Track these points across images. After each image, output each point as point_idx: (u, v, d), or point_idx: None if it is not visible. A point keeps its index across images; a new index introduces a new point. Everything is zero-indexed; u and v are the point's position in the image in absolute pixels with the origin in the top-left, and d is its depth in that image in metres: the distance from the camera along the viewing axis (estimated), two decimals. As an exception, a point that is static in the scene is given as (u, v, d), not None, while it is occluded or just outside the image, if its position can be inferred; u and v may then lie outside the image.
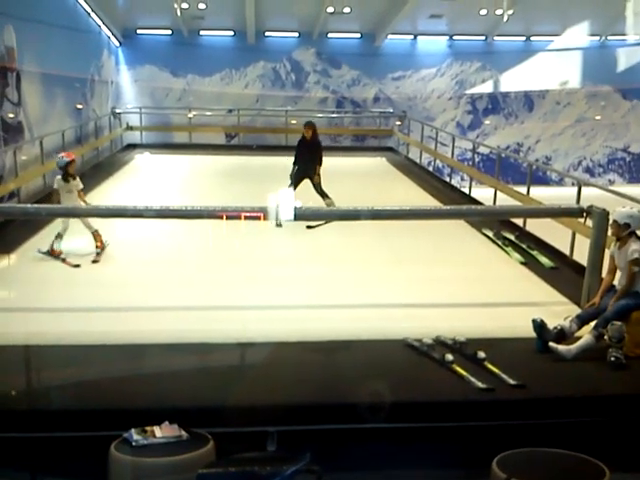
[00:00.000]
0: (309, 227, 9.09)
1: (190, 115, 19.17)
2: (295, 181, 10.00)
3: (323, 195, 10.08)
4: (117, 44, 19.58)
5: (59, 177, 8.02)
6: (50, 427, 4.08)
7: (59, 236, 7.92)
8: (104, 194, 11.80)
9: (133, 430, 3.75)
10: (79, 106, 15.71)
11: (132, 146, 17.99)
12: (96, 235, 7.97)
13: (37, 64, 12.48)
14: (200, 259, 8.01)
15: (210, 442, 3.73)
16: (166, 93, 20.19)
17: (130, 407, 4.27)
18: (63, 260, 7.80)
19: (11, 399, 4.39)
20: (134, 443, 3.68)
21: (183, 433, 3.79)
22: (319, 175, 10.11)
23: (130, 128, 18.53)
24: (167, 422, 3.85)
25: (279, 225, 8.55)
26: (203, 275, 7.42)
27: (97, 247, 7.96)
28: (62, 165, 8.02)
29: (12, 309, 6.30)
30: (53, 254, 7.86)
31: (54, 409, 4.28)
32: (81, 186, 8.06)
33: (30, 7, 12.07)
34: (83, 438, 4.05)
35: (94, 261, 7.82)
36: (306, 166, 10.06)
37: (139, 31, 19.68)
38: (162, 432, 3.78)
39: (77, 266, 7.66)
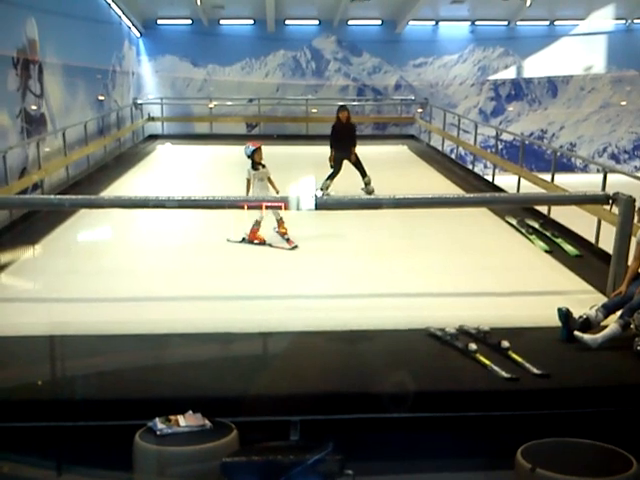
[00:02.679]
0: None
1: (211, 105, 19.21)
2: (338, 165, 10.58)
3: (364, 173, 10.79)
4: (138, 35, 19.64)
5: (249, 167, 8.21)
6: (76, 416, 4.12)
7: (257, 223, 8.08)
8: (127, 185, 11.90)
9: (157, 419, 3.78)
10: (101, 97, 15.80)
11: (154, 137, 18.09)
12: (281, 222, 8.15)
13: (59, 56, 12.55)
14: (222, 249, 8.04)
15: (233, 431, 3.75)
16: (187, 83, 20.24)
17: (154, 396, 4.30)
18: (270, 245, 8.02)
19: (38, 389, 4.45)
20: (158, 432, 3.71)
21: (207, 422, 3.81)
22: (356, 154, 10.77)
23: (152, 119, 18.62)
24: (191, 411, 3.88)
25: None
26: (225, 264, 7.45)
27: (283, 234, 8.13)
28: (249, 154, 8.21)
29: (35, 300, 6.38)
30: (253, 240, 8.08)
31: (80, 399, 4.32)
32: (270, 173, 8.23)
33: (51, -1, 12.16)
34: (108, 427, 4.09)
35: (294, 247, 7.98)
36: (345, 148, 10.61)
37: (159, 21, 19.72)
38: (186, 421, 3.81)
39: (295, 247, 7.91)
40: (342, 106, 11.26)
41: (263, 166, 8.20)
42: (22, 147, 10.44)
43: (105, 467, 3.85)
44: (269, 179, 8.21)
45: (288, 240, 8.07)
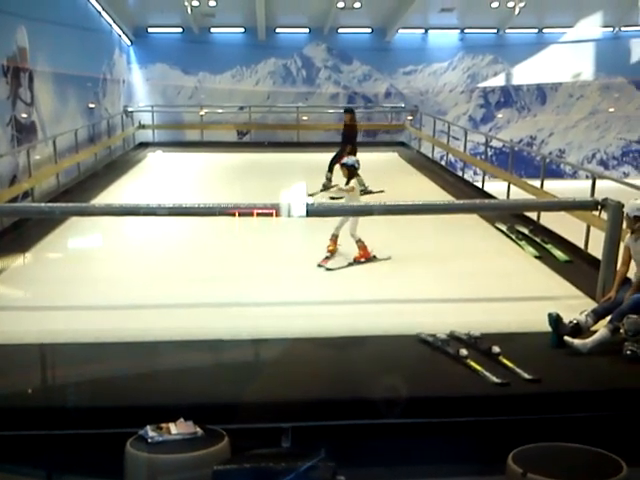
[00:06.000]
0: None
1: (202, 113, 19.20)
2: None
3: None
4: (128, 43, 19.62)
5: None
6: (66, 424, 4.11)
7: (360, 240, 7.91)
8: (117, 192, 11.88)
9: (148, 427, 3.76)
10: (91, 105, 15.78)
11: (144, 144, 18.06)
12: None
13: (49, 64, 12.53)
14: (213, 256, 8.03)
15: (225, 438, 3.74)
16: (177, 91, 20.23)
17: (145, 404, 4.29)
18: (374, 257, 7.87)
19: (28, 397, 4.43)
20: (150, 440, 3.69)
21: (198, 430, 3.80)
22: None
23: (142, 127, 18.59)
24: (182, 419, 3.86)
25: None
26: (217, 272, 7.44)
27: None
28: None
29: (26, 308, 6.35)
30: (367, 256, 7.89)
31: (70, 406, 4.30)
32: None
33: (42, 7, 12.12)
34: (99, 435, 4.08)
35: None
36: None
37: (150, 29, 19.70)
38: (177, 429, 3.79)
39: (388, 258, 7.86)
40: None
41: None
42: (12, 155, 10.41)
43: (96, 475, 3.84)
44: None
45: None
